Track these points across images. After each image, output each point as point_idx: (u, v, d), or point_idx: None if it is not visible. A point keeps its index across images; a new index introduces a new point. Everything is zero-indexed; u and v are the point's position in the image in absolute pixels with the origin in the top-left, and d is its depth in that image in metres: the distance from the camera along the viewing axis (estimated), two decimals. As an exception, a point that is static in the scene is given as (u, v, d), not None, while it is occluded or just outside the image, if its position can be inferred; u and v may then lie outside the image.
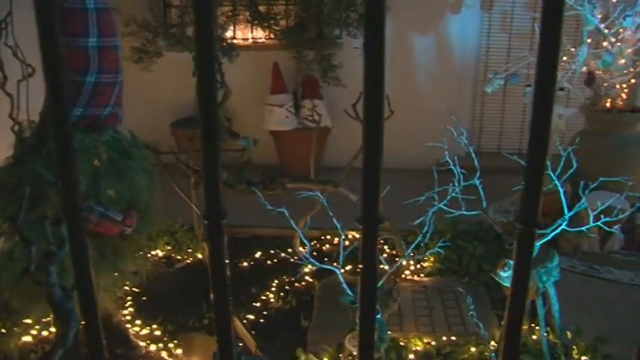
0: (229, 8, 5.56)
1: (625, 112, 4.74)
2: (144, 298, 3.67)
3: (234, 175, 3.16)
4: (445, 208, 2.79)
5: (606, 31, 4.32)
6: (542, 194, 0.78)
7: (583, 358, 2.98)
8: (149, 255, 4.13)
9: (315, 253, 4.28)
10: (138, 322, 3.43)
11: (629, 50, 4.46)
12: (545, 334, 2.99)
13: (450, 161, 2.84)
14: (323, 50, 5.51)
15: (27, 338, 3.20)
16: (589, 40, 4.37)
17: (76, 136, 2.31)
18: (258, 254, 4.28)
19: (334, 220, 2.53)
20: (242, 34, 6.03)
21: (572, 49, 4.50)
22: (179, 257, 4.23)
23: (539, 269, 2.89)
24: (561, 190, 2.70)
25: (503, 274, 2.71)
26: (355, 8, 5.27)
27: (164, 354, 3.17)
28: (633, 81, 4.69)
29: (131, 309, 3.56)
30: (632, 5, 4.26)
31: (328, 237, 4.47)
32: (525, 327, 3.22)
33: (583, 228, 2.72)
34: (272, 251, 4.26)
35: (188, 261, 4.19)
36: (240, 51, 5.52)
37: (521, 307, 0.86)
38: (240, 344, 3.11)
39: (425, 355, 3.06)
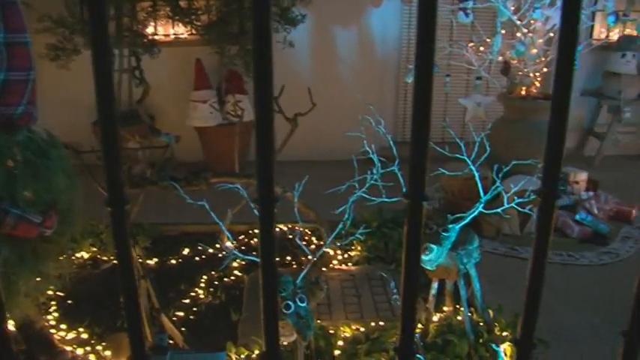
0: (149, 4, 5.46)
1: (539, 99, 4.96)
2: (69, 301, 3.58)
3: (157, 171, 3.12)
4: (366, 196, 2.85)
5: (518, 22, 4.50)
6: (426, 170, 0.83)
7: (504, 333, 3.11)
8: (73, 257, 4.04)
9: (243, 247, 4.29)
10: (63, 326, 3.35)
11: (540, 40, 4.67)
12: (469, 314, 3.10)
13: (369, 150, 2.90)
14: (246, 45, 5.50)
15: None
16: (503, 31, 4.54)
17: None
18: (186, 251, 4.25)
19: (256, 213, 2.54)
20: (163, 30, 5.94)
21: (488, 40, 4.66)
22: (105, 258, 4.14)
23: (459, 251, 2.99)
24: (477, 175, 2.81)
25: (424, 257, 2.79)
26: (277, 2, 5.27)
27: (92, 357, 3.10)
28: (545, 69, 4.90)
29: (56, 314, 3.46)
30: (541, -2, 4.45)
31: (256, 230, 4.47)
32: (449, 308, 3.34)
33: (498, 210, 2.83)
34: (200, 247, 4.24)
35: (115, 261, 4.11)
36: (162, 47, 5.44)
37: (414, 279, 0.90)
38: (171, 341, 3.09)
39: (353, 340, 3.12)
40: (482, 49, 4.86)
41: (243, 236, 4.38)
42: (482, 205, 2.77)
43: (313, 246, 4.33)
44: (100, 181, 3.32)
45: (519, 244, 4.54)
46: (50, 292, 3.44)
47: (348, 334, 3.20)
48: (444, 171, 3.17)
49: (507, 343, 2.98)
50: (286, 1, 5.21)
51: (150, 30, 5.73)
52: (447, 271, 2.99)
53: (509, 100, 5.05)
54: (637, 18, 5.11)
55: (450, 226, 2.84)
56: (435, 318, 3.29)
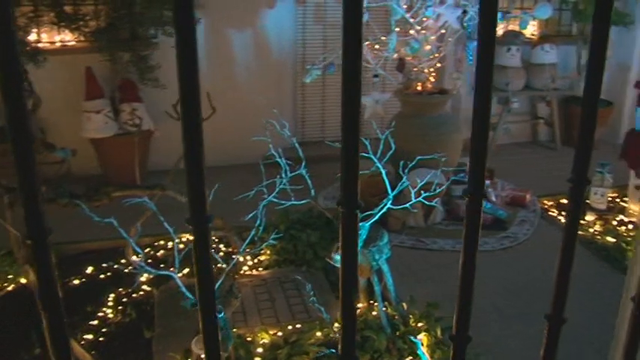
0: (30, 8, 5.14)
1: (434, 94, 5.12)
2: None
3: (54, 189, 2.94)
4: (275, 200, 2.82)
5: (412, 20, 4.62)
6: (358, 178, 0.81)
7: (419, 324, 3.18)
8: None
9: (150, 260, 4.14)
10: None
11: (433, 37, 4.81)
12: (384, 308, 3.14)
13: (275, 154, 2.88)
14: (138, 51, 5.31)
15: None
16: (397, 29, 4.64)
17: None
18: (89, 270, 4.05)
19: (165, 225, 2.45)
20: (48, 37, 5.63)
21: (384, 38, 4.75)
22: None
23: (371, 248, 3.04)
24: (383, 172, 2.85)
25: (337, 257, 2.81)
26: (170, 6, 5.12)
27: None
28: (439, 65, 5.06)
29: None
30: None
31: (162, 242, 4.34)
32: (364, 304, 3.37)
33: (407, 205, 2.89)
34: (104, 264, 4.05)
35: (9, 288, 3.84)
36: (48, 55, 5.14)
37: (354, 282, 0.89)
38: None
39: (272, 346, 3.09)
40: (377, 47, 4.95)
41: (148, 249, 4.23)
42: (390, 200, 2.81)
43: (222, 253, 4.24)
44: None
45: (425, 235, 4.66)
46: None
47: (266, 340, 3.16)
48: (363, 171, 3.19)
49: (423, 334, 3.05)
50: (178, 5, 5.08)
51: (32, 37, 5.41)
52: (360, 268, 3.01)
53: (405, 96, 5.17)
54: (520, 15, 5.37)
55: (361, 224, 2.87)
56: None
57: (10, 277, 3.88)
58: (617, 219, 4.85)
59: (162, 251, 4.28)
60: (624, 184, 5.01)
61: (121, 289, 3.76)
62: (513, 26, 6.42)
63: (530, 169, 6.22)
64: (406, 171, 3.01)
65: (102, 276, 3.99)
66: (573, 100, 6.79)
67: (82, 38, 5.38)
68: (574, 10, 6.70)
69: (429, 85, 5.15)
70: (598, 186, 4.85)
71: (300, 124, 6.56)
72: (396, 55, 4.91)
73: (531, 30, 6.77)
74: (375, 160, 2.78)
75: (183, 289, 2.30)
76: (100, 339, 3.32)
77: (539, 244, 4.50)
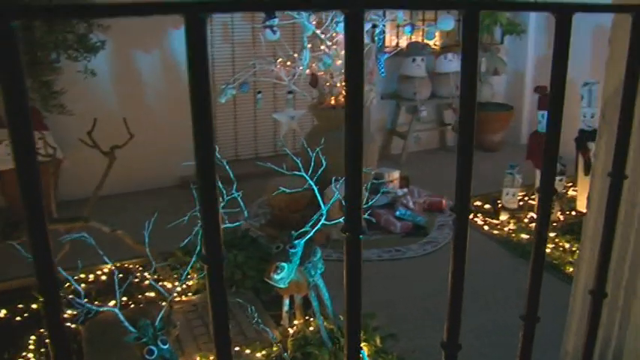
0: None
1: (348, 107, 5.19)
2: None
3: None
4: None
5: (322, 36, 4.68)
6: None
7: (357, 337, 3.20)
8: None
9: (71, 296, 3.93)
10: None
11: (343, 52, 4.89)
12: (323, 323, 3.14)
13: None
14: (40, 76, 5.07)
15: None
16: (309, 45, 4.69)
17: None
18: (2, 313, 3.79)
19: (104, 257, 2.35)
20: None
21: (295, 55, 4.78)
22: None
23: (306, 265, 3.03)
24: (315, 188, 2.86)
25: (276, 276, 2.78)
26: (72, 29, 4.93)
27: None
28: (350, 78, 5.14)
29: None
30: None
31: (82, 275, 4.15)
32: (301, 321, 3.36)
33: (340, 219, 2.91)
34: (20, 305, 3.81)
35: None
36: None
37: (359, 305, 0.88)
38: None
39: (214, 373, 3.01)
40: (289, 63, 4.98)
41: (68, 284, 4.02)
42: (325, 216, 2.82)
43: (147, 282, 4.11)
44: None
45: (350, 247, 4.70)
46: None
47: (207, 367, 3.09)
48: (284, 189, 3.19)
49: (364, 344, 3.07)
50: (82, 28, 4.89)
51: None
52: (297, 286, 3.01)
53: (320, 111, 5.23)
54: (424, 27, 5.57)
55: (296, 241, 2.87)
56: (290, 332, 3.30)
57: None
58: (528, 217, 5.11)
59: (83, 284, 4.08)
60: (531, 183, 5.28)
61: (42, 330, 3.54)
62: (415, 37, 6.65)
63: (442, 174, 6.43)
64: (333, 185, 3.03)
65: (18, 318, 3.75)
66: (477, 106, 7.09)
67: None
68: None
69: (342, 99, 5.22)
70: (509, 187, 5.09)
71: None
72: (308, 71, 4.96)
73: (433, 40, 7.04)
74: (307, 178, 2.78)
75: (127, 325, 2.20)
76: (25, 385, 3.12)
77: (460, 246, 4.66)
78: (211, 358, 3.16)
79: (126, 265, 4.29)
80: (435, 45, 7.12)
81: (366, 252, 4.60)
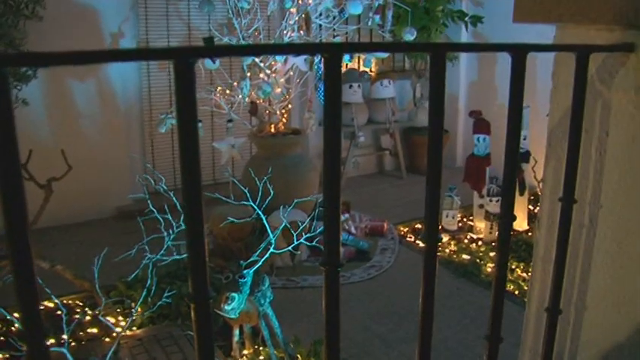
0: None
1: (288, 135, 5.24)
2: None
3: None
4: (159, 257, 2.74)
5: (262, 64, 4.72)
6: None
7: (309, 362, 3.21)
8: None
9: (2, 338, 3.77)
10: None
11: (282, 80, 4.95)
12: (274, 352, 3.13)
13: (153, 210, 2.80)
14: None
15: None
16: (249, 74, 4.72)
17: None
18: None
19: (47, 290, 2.28)
20: None
21: (235, 84, 4.80)
22: None
23: (256, 294, 3.03)
24: (263, 217, 2.87)
25: (227, 307, 2.77)
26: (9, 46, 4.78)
27: None
28: (290, 106, 5.21)
29: None
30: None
31: (16, 315, 3.99)
32: (250, 350, 3.34)
33: (289, 248, 2.93)
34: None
35: None
36: None
37: (337, 336, 0.90)
38: None
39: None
40: (228, 92, 5.00)
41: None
42: (273, 245, 2.84)
43: (88, 317, 3.98)
44: None
45: (294, 274, 4.71)
46: None
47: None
48: (233, 219, 3.18)
49: (315, 372, 3.08)
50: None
51: None
52: (248, 315, 2.99)
53: (260, 139, 5.25)
54: (363, 55, 5.70)
55: (245, 271, 2.86)
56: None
57: None
58: (468, 237, 5.25)
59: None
60: (469, 204, 5.45)
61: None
62: (351, 65, 6.79)
63: (381, 198, 6.55)
64: (282, 213, 3.06)
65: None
66: (413, 131, 7.30)
67: None
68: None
69: (282, 127, 5.27)
70: (448, 209, 5.23)
71: (150, 173, 6.36)
72: (248, 99, 4.98)
73: (370, 67, 7.21)
74: (255, 207, 2.79)
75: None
76: None
77: (403, 268, 4.75)
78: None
79: (64, 302, 4.15)
80: (371, 71, 7.29)
81: (309, 278, 4.62)
